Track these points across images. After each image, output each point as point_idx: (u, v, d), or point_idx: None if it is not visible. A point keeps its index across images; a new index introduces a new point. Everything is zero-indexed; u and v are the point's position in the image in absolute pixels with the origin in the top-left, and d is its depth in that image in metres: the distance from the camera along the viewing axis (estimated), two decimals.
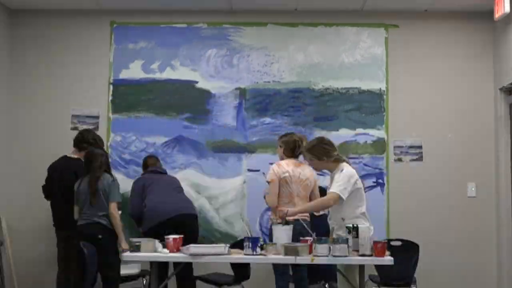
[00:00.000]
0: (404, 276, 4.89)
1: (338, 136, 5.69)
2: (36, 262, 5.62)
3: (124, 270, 5.09)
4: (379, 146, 5.74)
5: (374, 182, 5.72)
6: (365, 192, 5.77)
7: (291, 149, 4.81)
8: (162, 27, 5.88)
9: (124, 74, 5.82)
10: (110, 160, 5.71)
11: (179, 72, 5.80)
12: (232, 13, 5.88)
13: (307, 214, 4.68)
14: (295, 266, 4.62)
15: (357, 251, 4.08)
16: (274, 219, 4.41)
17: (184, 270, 4.80)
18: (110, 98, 5.80)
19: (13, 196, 5.71)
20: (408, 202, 5.65)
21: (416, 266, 4.96)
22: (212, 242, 5.23)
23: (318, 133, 5.73)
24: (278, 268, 4.67)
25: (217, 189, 5.74)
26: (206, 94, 5.80)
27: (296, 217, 4.45)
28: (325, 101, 5.81)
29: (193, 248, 4.14)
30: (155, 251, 4.20)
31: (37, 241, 5.65)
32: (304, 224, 4.47)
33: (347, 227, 4.15)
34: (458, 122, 5.77)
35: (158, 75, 5.81)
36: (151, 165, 5.40)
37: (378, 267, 4.88)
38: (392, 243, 5.03)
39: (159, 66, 5.82)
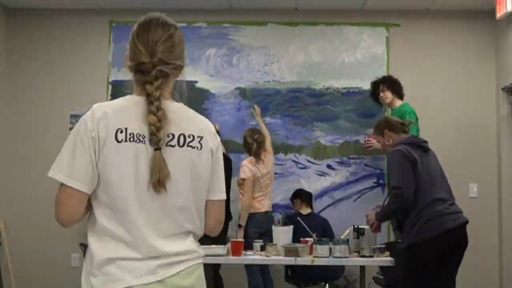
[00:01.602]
0: None
1: (339, 136, 5.67)
2: (34, 263, 5.58)
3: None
4: None
5: (374, 182, 5.68)
6: (366, 192, 5.82)
7: None
8: None
9: (123, 74, 5.73)
10: None
11: None
12: (232, 12, 5.84)
13: None
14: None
15: (358, 252, 4.04)
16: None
17: None
18: (109, 98, 5.77)
19: (12, 197, 5.68)
20: None
21: None
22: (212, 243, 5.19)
23: (318, 133, 5.70)
24: (252, 268, 4.77)
25: None
26: (205, 94, 5.76)
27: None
28: (326, 101, 5.77)
29: None
30: None
31: (36, 243, 5.61)
32: (304, 225, 4.44)
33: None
34: (459, 122, 5.73)
35: None
36: None
37: (382, 269, 4.83)
38: (398, 245, 4.97)
39: None
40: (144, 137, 1.75)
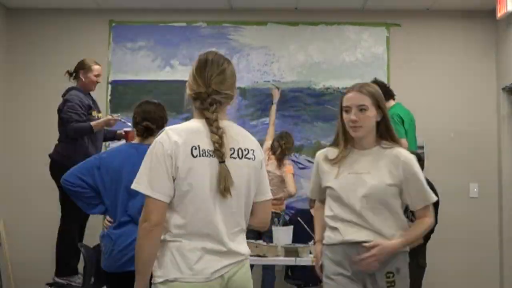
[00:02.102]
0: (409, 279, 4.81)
1: None
2: (34, 264, 5.57)
3: None
4: None
5: None
6: None
7: None
8: (161, 26, 5.83)
9: (123, 74, 5.77)
10: None
11: (179, 72, 5.76)
12: (232, 12, 5.83)
13: None
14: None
15: None
16: None
17: None
18: (109, 98, 5.76)
19: (11, 198, 5.66)
20: None
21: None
22: None
23: (319, 133, 5.69)
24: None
25: None
26: None
27: None
28: (326, 101, 5.76)
29: None
30: None
31: (35, 243, 5.60)
32: (304, 225, 4.43)
33: None
34: (460, 122, 5.72)
35: (157, 75, 5.77)
36: None
37: None
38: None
39: (158, 66, 5.78)
40: (212, 152, 2.12)
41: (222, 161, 2.10)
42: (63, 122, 4.68)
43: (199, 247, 2.09)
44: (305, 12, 5.80)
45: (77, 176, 3.11)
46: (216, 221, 2.11)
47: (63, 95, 4.78)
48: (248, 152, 2.19)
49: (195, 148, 2.11)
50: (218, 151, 2.11)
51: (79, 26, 5.84)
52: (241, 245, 2.19)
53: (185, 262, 2.08)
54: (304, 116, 5.75)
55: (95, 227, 5.56)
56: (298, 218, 4.74)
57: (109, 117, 4.74)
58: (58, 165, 4.55)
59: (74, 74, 4.85)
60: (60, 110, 4.69)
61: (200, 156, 2.11)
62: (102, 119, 4.70)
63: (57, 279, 4.71)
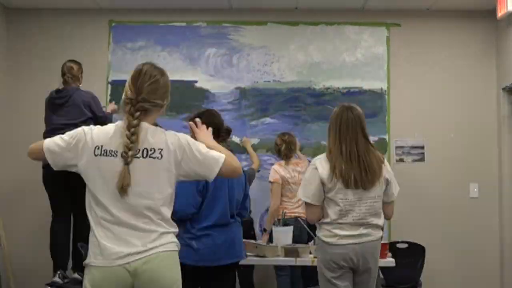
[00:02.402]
0: (410, 279, 4.82)
1: None
2: (34, 264, 5.57)
3: None
4: (381, 146, 5.68)
5: None
6: None
7: None
8: (161, 26, 5.83)
9: (123, 74, 5.76)
10: None
11: (178, 72, 5.75)
12: (231, 12, 5.83)
13: None
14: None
15: None
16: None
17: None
18: (108, 98, 5.76)
19: (11, 197, 5.66)
20: (409, 203, 5.59)
21: (422, 268, 4.88)
22: None
23: (319, 133, 5.69)
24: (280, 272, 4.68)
25: None
26: (205, 94, 5.75)
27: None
28: (326, 101, 5.76)
29: None
30: None
31: (35, 243, 5.59)
32: (304, 225, 4.43)
33: None
34: (460, 122, 5.72)
35: None
36: None
37: (383, 270, 4.82)
38: (398, 245, 4.97)
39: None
40: (116, 152, 2.29)
41: (126, 163, 2.26)
42: (100, 119, 4.87)
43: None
44: (305, 12, 5.80)
45: None
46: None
47: (67, 94, 4.89)
48: (154, 152, 2.29)
49: (98, 148, 2.31)
50: (125, 154, 2.27)
51: (79, 26, 5.84)
52: None
53: None
54: (304, 116, 5.74)
55: None
56: (299, 219, 4.73)
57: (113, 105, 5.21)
58: None
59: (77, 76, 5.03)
60: (88, 106, 4.87)
61: (100, 155, 2.30)
62: (110, 108, 5.19)
63: (75, 275, 4.72)
